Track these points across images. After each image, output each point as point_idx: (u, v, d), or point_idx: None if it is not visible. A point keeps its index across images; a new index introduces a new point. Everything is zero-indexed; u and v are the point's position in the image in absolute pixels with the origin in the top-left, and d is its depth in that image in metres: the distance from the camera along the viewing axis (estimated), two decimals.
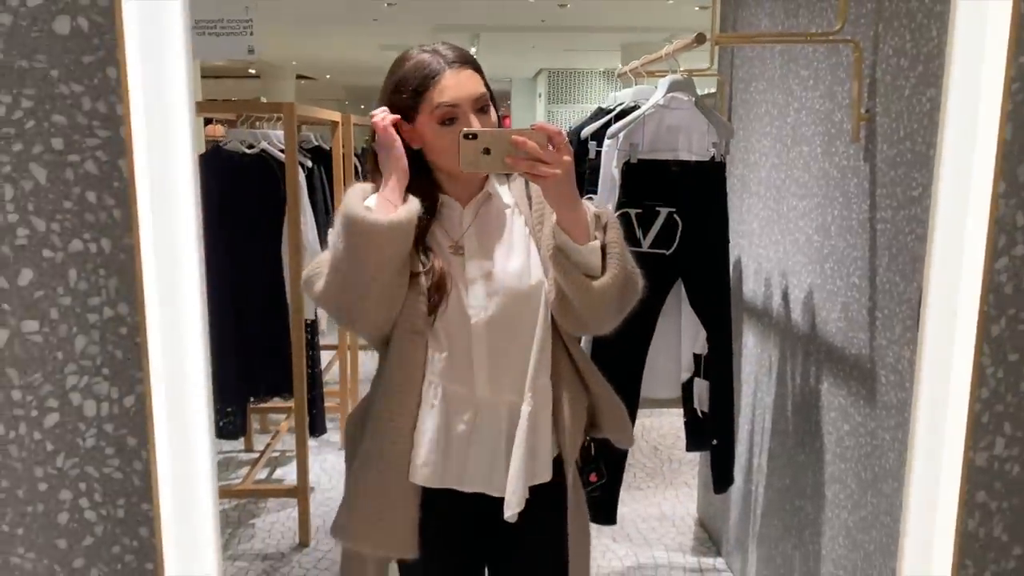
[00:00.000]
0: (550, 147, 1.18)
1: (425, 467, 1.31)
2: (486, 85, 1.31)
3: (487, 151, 1.19)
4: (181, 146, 0.66)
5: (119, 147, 0.73)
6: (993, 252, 0.80)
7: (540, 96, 13.20)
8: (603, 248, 1.27)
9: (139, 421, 0.76)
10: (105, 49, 0.70)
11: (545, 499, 1.36)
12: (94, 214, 0.76)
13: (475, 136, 1.19)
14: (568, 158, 1.19)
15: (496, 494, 1.33)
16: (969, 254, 0.76)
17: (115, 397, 0.79)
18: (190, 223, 0.68)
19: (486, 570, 1.49)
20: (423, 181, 1.32)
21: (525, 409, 1.32)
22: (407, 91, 1.28)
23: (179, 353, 0.70)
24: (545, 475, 1.36)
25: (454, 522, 1.39)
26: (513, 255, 1.33)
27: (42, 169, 0.74)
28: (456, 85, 1.26)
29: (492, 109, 1.31)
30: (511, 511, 1.31)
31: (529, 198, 1.38)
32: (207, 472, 0.72)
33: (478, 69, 1.31)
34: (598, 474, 1.50)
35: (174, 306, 0.69)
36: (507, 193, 1.38)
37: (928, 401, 0.79)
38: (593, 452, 1.49)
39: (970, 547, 0.89)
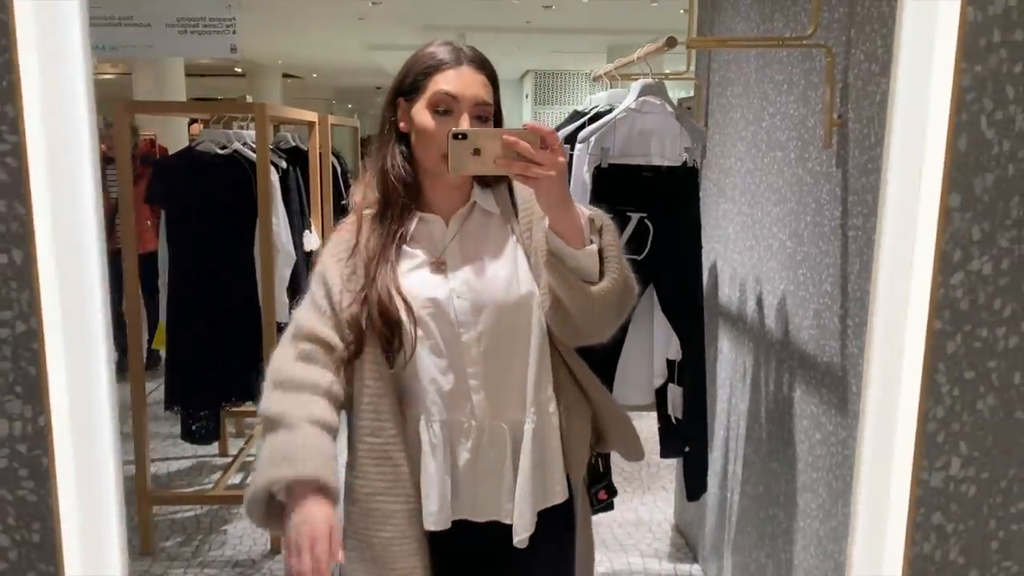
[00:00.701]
0: (543, 148, 1.13)
1: (437, 512, 1.26)
2: (496, 102, 1.28)
3: (477, 152, 1.13)
4: (82, 150, 0.62)
5: None
6: (943, 267, 0.77)
7: (527, 97, 13.18)
8: (600, 252, 1.21)
9: (49, 443, 0.72)
10: (10, 51, 0.66)
11: (552, 520, 1.31)
12: (5, 224, 0.72)
13: (465, 136, 1.14)
14: (562, 159, 1.13)
15: (507, 520, 1.28)
16: (919, 269, 0.74)
17: (28, 416, 0.75)
18: (92, 232, 0.64)
19: None
20: (401, 196, 1.27)
21: (528, 426, 1.27)
22: (417, 71, 1.26)
23: (84, 369, 0.66)
24: (559, 496, 1.32)
25: (461, 552, 1.34)
26: (499, 266, 1.28)
27: None
28: (463, 80, 1.23)
29: (491, 125, 1.26)
30: (520, 536, 1.27)
31: (514, 205, 1.33)
32: (113, 492, 0.68)
33: (493, 81, 1.28)
34: (608, 492, 1.44)
35: (79, 320, 0.65)
36: (491, 201, 1.32)
37: (875, 423, 0.76)
38: (602, 468, 1.44)
39: (926, 570, 0.86)
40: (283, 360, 1.26)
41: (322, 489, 1.14)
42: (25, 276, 0.72)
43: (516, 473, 1.27)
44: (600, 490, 1.44)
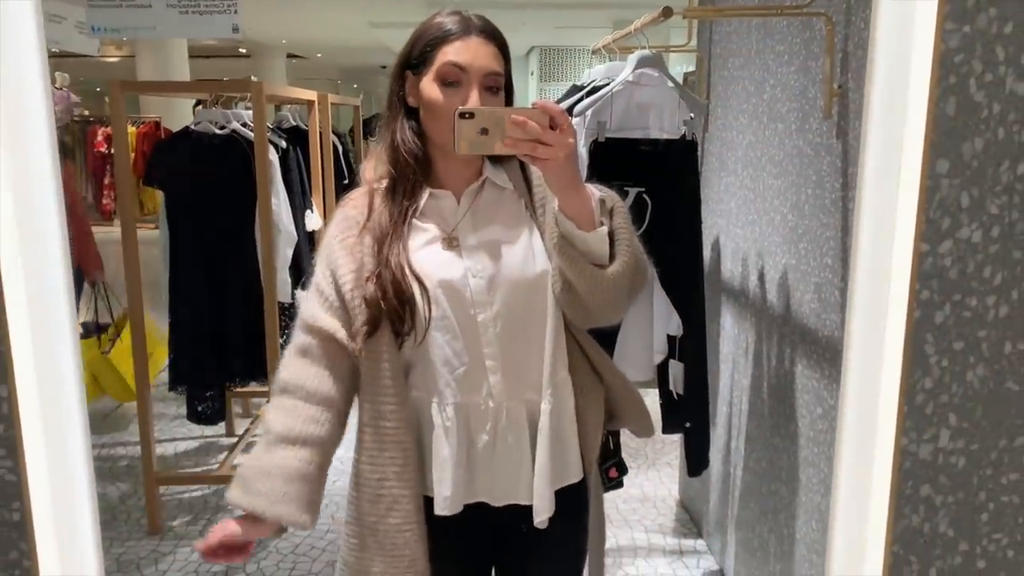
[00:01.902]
0: (552, 127, 1.08)
1: (451, 497, 1.25)
2: (507, 73, 1.24)
3: (484, 131, 1.08)
4: (37, 125, 0.61)
5: None
6: (931, 235, 0.75)
7: (532, 74, 13.08)
8: (611, 234, 1.17)
9: (16, 421, 0.71)
10: None
11: (565, 499, 1.30)
12: None
13: (471, 115, 1.09)
14: (571, 140, 1.08)
15: (525, 502, 1.27)
16: (900, 236, 0.71)
17: (4, 395, 0.75)
18: (52, 204, 0.63)
19: (494, 570, 1.43)
20: (413, 171, 1.24)
21: (545, 407, 1.25)
22: (424, 42, 1.22)
23: (48, 346, 0.65)
24: (574, 475, 1.31)
25: (470, 535, 1.33)
26: (514, 244, 1.24)
27: None
28: (472, 50, 1.19)
29: (503, 96, 1.23)
30: (541, 517, 1.26)
31: (527, 180, 1.30)
32: (84, 471, 0.67)
33: (504, 51, 1.24)
34: (618, 469, 1.43)
35: (41, 295, 0.65)
36: (503, 175, 1.29)
37: (857, 393, 0.74)
38: (612, 446, 1.42)
39: (915, 543, 0.85)
40: (286, 355, 1.28)
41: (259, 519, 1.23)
42: None
43: (534, 454, 1.26)
44: (611, 467, 1.43)
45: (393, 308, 1.20)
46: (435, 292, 1.22)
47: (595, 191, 1.19)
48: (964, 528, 0.85)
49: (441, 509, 1.25)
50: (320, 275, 1.27)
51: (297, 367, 1.25)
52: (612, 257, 1.17)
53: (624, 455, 3.79)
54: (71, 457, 0.67)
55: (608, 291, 1.17)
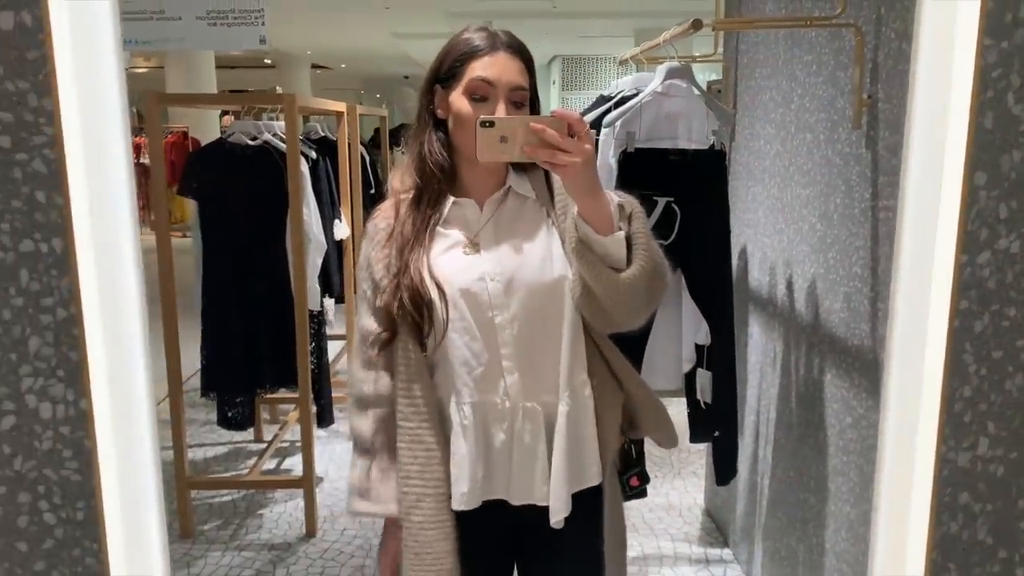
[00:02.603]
0: (571, 135, 1.13)
1: (468, 493, 1.29)
2: (532, 87, 1.29)
3: (504, 139, 1.14)
4: (115, 144, 0.64)
5: None
6: (969, 246, 0.76)
7: (554, 83, 13.13)
8: (628, 239, 1.21)
9: (90, 423, 0.75)
10: (47, 45, 0.68)
11: (581, 502, 1.32)
12: (44, 213, 0.74)
13: (492, 124, 1.14)
14: (589, 147, 1.13)
15: (541, 502, 1.30)
16: (941, 247, 0.73)
17: (71, 399, 0.78)
18: (127, 220, 0.66)
19: (515, 570, 1.46)
20: (439, 181, 1.29)
21: (562, 408, 1.28)
22: (453, 57, 1.27)
23: (122, 354, 0.69)
24: (594, 479, 1.33)
25: (491, 534, 1.36)
26: (533, 249, 1.28)
27: None
28: (499, 66, 1.24)
29: (527, 111, 1.27)
30: (557, 518, 1.29)
31: (550, 188, 1.33)
32: (152, 474, 0.71)
33: (529, 66, 1.29)
34: (640, 478, 1.43)
35: (115, 306, 0.68)
36: (527, 184, 1.33)
37: (899, 402, 0.75)
38: (635, 455, 1.43)
39: (954, 550, 0.86)
40: (354, 370, 1.38)
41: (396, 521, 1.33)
42: (64, 264, 0.75)
43: (550, 455, 1.29)
44: (632, 476, 1.44)
45: (410, 312, 1.25)
46: (453, 295, 1.26)
47: (614, 196, 1.23)
48: (1003, 536, 0.86)
49: (458, 504, 1.29)
50: (365, 286, 1.34)
51: (365, 377, 1.35)
52: (630, 262, 1.20)
53: (650, 464, 3.79)
54: (141, 461, 0.71)
55: (625, 294, 1.20)
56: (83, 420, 0.78)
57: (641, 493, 1.44)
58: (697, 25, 1.83)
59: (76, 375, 0.76)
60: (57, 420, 0.79)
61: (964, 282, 0.80)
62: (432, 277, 1.27)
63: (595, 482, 1.34)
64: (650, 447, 1.50)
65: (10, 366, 0.77)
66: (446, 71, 1.28)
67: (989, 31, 0.76)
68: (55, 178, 0.72)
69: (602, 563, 1.36)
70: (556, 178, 1.32)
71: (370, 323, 1.32)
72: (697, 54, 3.20)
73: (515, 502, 1.31)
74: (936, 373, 0.75)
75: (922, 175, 0.73)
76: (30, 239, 0.75)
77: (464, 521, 1.31)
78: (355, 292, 3.54)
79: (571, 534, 1.32)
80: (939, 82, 0.71)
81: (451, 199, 1.31)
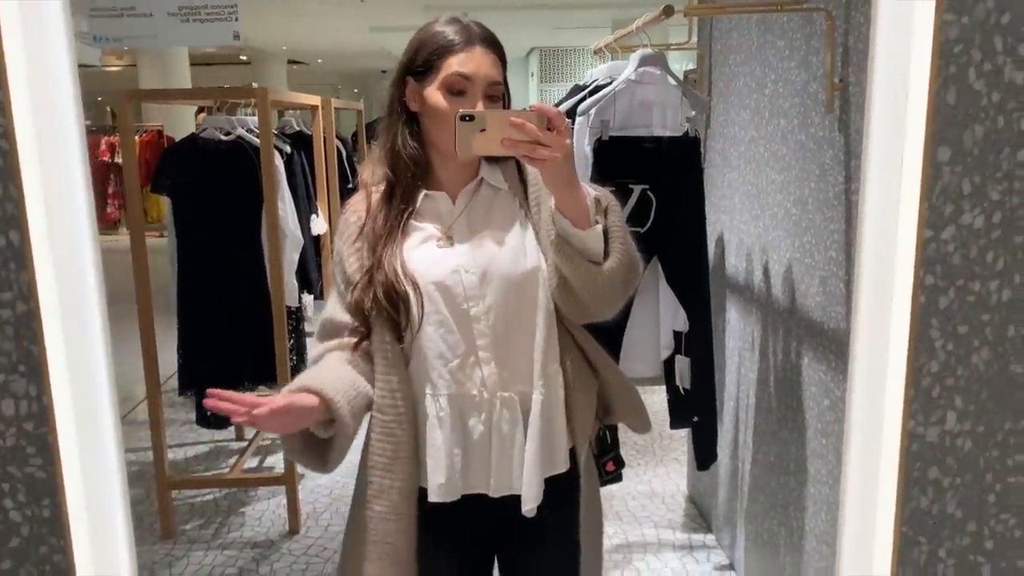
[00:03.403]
0: (549, 129, 1.13)
1: (445, 484, 1.28)
2: (505, 82, 1.29)
3: (483, 133, 1.14)
4: (69, 134, 0.63)
5: None
6: (934, 221, 0.77)
7: (532, 75, 13.10)
8: (605, 232, 1.22)
9: (50, 420, 0.74)
10: None
11: (558, 489, 1.33)
12: (1, 206, 0.73)
13: (471, 118, 1.14)
14: (568, 141, 1.14)
15: (517, 491, 1.30)
16: (904, 223, 0.73)
17: (33, 395, 0.77)
18: (83, 212, 0.65)
19: (496, 559, 1.46)
20: (412, 174, 1.29)
21: (536, 397, 1.28)
22: (429, 50, 1.26)
23: (83, 348, 0.67)
24: (562, 465, 1.33)
25: (471, 526, 1.36)
26: (506, 241, 1.29)
27: None
28: (477, 60, 1.24)
29: (502, 104, 1.27)
30: (529, 506, 1.29)
31: (523, 181, 1.34)
32: (117, 469, 0.70)
33: (502, 60, 1.29)
34: (615, 463, 1.44)
35: (74, 300, 0.67)
36: (499, 176, 1.33)
37: (865, 378, 0.76)
38: (610, 440, 1.45)
39: (923, 524, 0.86)
40: (311, 352, 1.34)
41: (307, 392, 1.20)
42: (23, 257, 0.73)
43: (524, 444, 1.29)
44: (608, 461, 1.45)
45: (385, 307, 1.25)
46: (427, 289, 1.26)
47: (590, 190, 1.24)
48: (972, 509, 0.87)
49: (435, 496, 1.28)
50: (338, 280, 1.33)
51: (324, 345, 1.32)
52: (606, 254, 1.22)
53: (631, 451, 3.80)
54: (104, 455, 0.70)
55: (602, 287, 1.21)
56: (46, 416, 0.77)
57: (617, 478, 1.45)
58: (669, 11, 1.83)
59: (38, 370, 0.75)
60: (20, 416, 0.77)
61: (929, 257, 0.80)
62: (406, 272, 1.26)
63: (563, 468, 1.34)
64: (632, 434, 1.51)
65: None
66: (420, 64, 1.27)
67: (950, 6, 0.76)
68: (10, 170, 0.71)
69: (579, 549, 1.36)
70: (529, 169, 1.33)
71: (341, 315, 1.31)
72: (673, 42, 3.20)
73: (495, 494, 1.31)
74: (901, 349, 0.76)
75: (883, 151, 0.73)
76: None
77: (442, 516, 1.30)
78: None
79: (548, 522, 1.33)
80: (899, 56, 0.71)
81: (423, 192, 1.31)
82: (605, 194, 1.26)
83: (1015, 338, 0.83)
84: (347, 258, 1.31)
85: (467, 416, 1.29)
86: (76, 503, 0.70)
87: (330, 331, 1.32)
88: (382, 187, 1.32)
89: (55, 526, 0.79)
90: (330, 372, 1.25)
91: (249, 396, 1.13)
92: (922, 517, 0.86)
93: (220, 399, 1.12)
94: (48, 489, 0.79)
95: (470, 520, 1.34)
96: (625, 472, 1.52)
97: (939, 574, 0.88)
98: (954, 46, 0.77)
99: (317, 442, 1.26)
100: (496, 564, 1.47)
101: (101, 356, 0.68)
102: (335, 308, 1.33)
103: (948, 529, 0.87)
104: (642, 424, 1.46)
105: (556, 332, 1.31)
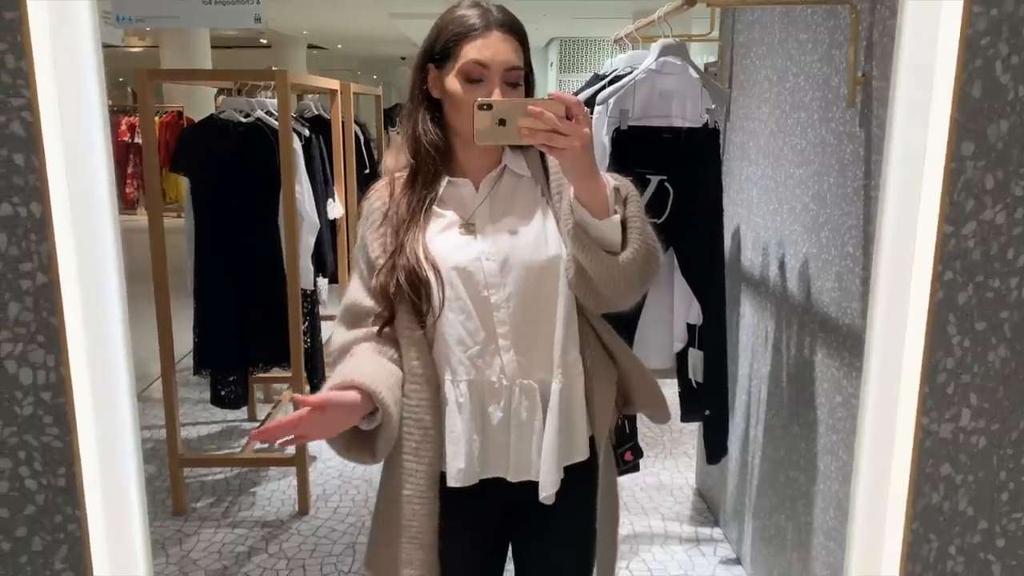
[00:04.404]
0: (568, 118, 1.12)
1: (464, 470, 1.29)
2: (527, 63, 1.27)
3: (502, 122, 1.13)
4: (92, 108, 0.63)
5: None
6: (955, 216, 0.76)
7: (552, 65, 13.05)
8: (623, 222, 1.21)
9: (68, 389, 0.75)
10: (21, 8, 0.67)
11: (576, 478, 1.33)
12: (23, 177, 0.74)
13: (490, 107, 1.14)
14: (587, 130, 1.13)
15: (535, 477, 1.30)
16: (924, 217, 0.73)
17: (51, 365, 0.78)
18: (104, 184, 0.66)
19: (511, 548, 1.47)
20: (434, 160, 1.29)
21: (555, 386, 1.28)
22: (446, 37, 1.26)
23: (99, 320, 0.68)
24: (581, 454, 1.34)
25: (488, 510, 1.36)
26: (528, 228, 1.29)
27: None
28: (494, 47, 1.23)
29: (523, 89, 1.26)
30: (547, 492, 1.29)
31: (546, 169, 1.34)
32: (132, 441, 0.70)
33: (523, 43, 1.27)
34: (634, 453, 1.46)
35: (93, 273, 0.67)
36: (522, 163, 1.33)
37: (880, 372, 0.75)
38: (628, 430, 1.45)
39: (934, 520, 0.86)
40: (334, 337, 1.34)
41: (350, 387, 1.21)
42: (45, 229, 0.74)
43: (543, 431, 1.29)
44: (626, 451, 1.46)
45: (408, 293, 1.26)
46: (449, 275, 1.27)
47: (610, 180, 1.23)
48: (984, 507, 0.86)
49: (454, 481, 1.29)
50: (361, 264, 1.34)
51: (351, 333, 1.32)
52: (624, 245, 1.21)
53: (642, 444, 3.80)
54: (120, 425, 0.70)
55: (619, 277, 1.20)
56: (63, 386, 0.77)
57: (634, 468, 1.45)
58: (691, 1, 1.82)
59: (56, 340, 0.76)
60: (38, 386, 0.78)
61: (949, 253, 0.80)
62: (428, 258, 1.27)
63: (582, 457, 1.35)
64: (644, 428, 1.52)
65: None
66: (440, 50, 1.27)
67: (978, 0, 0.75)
68: (35, 141, 0.72)
69: (594, 538, 1.37)
70: (552, 158, 1.32)
71: (365, 300, 1.32)
72: (695, 34, 3.18)
73: (513, 479, 1.32)
74: (917, 344, 0.75)
75: (906, 144, 0.72)
76: (8, 203, 0.74)
77: (461, 500, 1.31)
78: (348, 272, 3.53)
79: (564, 510, 1.33)
80: (925, 48, 0.70)
81: (446, 179, 1.31)
82: (625, 183, 1.25)
83: None
84: (371, 243, 1.32)
85: (486, 403, 1.29)
86: (91, 473, 0.71)
87: (355, 316, 1.32)
88: (405, 173, 1.33)
89: (70, 495, 0.80)
90: (366, 363, 1.26)
91: (290, 415, 1.14)
92: (933, 514, 0.85)
93: (265, 434, 1.14)
94: (64, 458, 0.80)
95: (488, 504, 1.35)
96: None
97: (948, 571, 0.87)
98: (981, 38, 0.76)
99: (362, 435, 1.27)
100: (511, 552, 1.48)
101: (118, 327, 0.69)
102: (359, 293, 1.33)
103: (959, 526, 0.86)
104: (661, 414, 1.46)
105: (576, 321, 1.31)
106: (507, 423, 1.30)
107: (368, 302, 1.31)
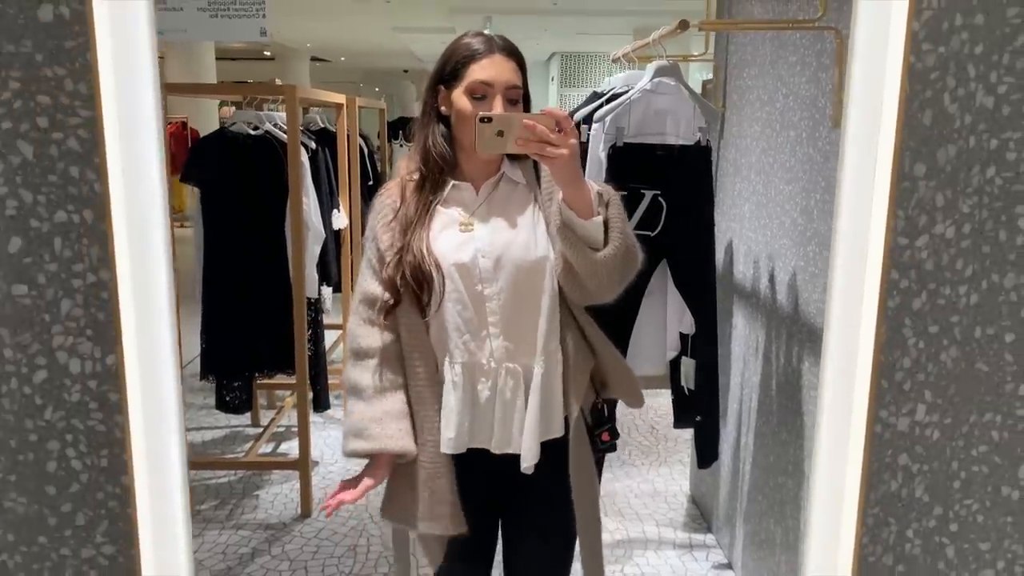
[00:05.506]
0: (558, 131, 1.29)
1: (455, 438, 1.46)
2: (524, 84, 1.45)
3: (500, 134, 1.30)
4: (148, 127, 0.72)
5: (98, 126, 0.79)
6: (909, 230, 0.85)
7: (552, 79, 13.19)
8: (605, 223, 1.37)
9: (120, 378, 0.84)
10: (85, 35, 0.76)
11: (554, 453, 1.49)
12: (77, 187, 0.83)
13: (490, 120, 1.30)
14: (574, 141, 1.30)
15: (516, 451, 1.47)
16: (875, 231, 0.82)
17: (98, 356, 0.87)
18: (156, 195, 0.75)
19: (500, 524, 1.64)
20: (441, 169, 1.47)
21: (537, 370, 1.45)
22: (455, 60, 1.44)
23: (149, 316, 0.77)
24: (557, 431, 1.50)
25: (476, 474, 1.52)
26: (520, 230, 1.45)
27: (28, 145, 0.82)
28: (497, 68, 1.41)
29: (521, 105, 1.44)
30: (527, 463, 1.45)
31: (538, 178, 1.50)
32: (175, 427, 0.79)
33: (522, 66, 1.45)
34: (610, 434, 1.60)
35: (145, 273, 0.76)
36: (518, 172, 1.49)
37: (834, 372, 0.84)
38: (607, 413, 1.60)
39: (893, 506, 0.95)
40: (352, 327, 1.52)
41: (388, 456, 1.47)
42: (95, 233, 0.83)
43: (525, 410, 1.47)
44: (603, 432, 1.61)
45: (411, 284, 1.43)
46: (449, 270, 1.44)
47: (594, 185, 1.40)
48: (939, 494, 0.95)
49: (445, 448, 1.47)
50: (370, 253, 1.51)
51: (365, 332, 1.49)
52: (607, 242, 1.37)
53: (636, 452, 3.87)
54: (165, 409, 0.79)
55: (602, 272, 1.38)
56: (108, 375, 0.86)
57: (612, 447, 1.62)
58: (684, 26, 1.91)
59: (103, 334, 0.84)
60: (85, 375, 0.87)
61: (904, 263, 0.89)
62: (431, 256, 1.44)
63: (559, 434, 1.51)
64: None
65: (43, 325, 0.86)
66: (449, 72, 1.45)
67: (928, 37, 0.84)
68: (88, 156, 0.81)
69: (571, 506, 1.52)
70: (543, 168, 1.49)
71: (376, 288, 1.48)
72: (693, 53, 3.28)
73: (496, 451, 1.49)
74: (868, 344, 0.84)
75: (858, 167, 0.82)
76: (63, 210, 0.84)
77: (456, 464, 1.50)
78: (352, 283, 3.62)
79: (542, 481, 1.50)
80: (873, 81, 0.79)
81: (451, 182, 1.48)
82: (607, 189, 1.42)
83: (981, 339, 0.91)
84: (380, 235, 1.49)
85: (476, 382, 1.47)
86: (138, 455, 0.79)
87: (368, 303, 1.49)
88: (416, 176, 1.50)
89: (111, 475, 0.89)
90: (387, 421, 1.46)
91: (346, 497, 1.43)
92: (892, 500, 0.94)
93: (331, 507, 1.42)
94: (107, 441, 0.88)
95: (477, 468, 1.51)
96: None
97: (907, 553, 0.96)
98: (931, 73, 0.85)
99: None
100: (500, 529, 1.64)
101: (167, 323, 0.78)
102: (369, 281, 1.50)
103: (916, 512, 0.95)
104: (635, 399, 1.64)
105: (558, 315, 1.48)
106: (493, 400, 1.47)
107: (378, 289, 1.47)
